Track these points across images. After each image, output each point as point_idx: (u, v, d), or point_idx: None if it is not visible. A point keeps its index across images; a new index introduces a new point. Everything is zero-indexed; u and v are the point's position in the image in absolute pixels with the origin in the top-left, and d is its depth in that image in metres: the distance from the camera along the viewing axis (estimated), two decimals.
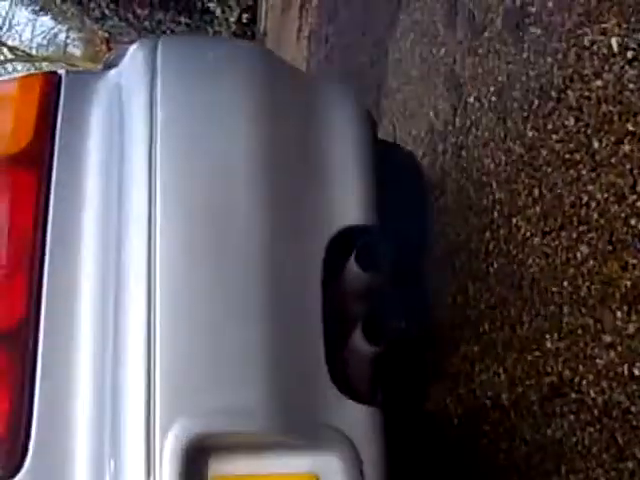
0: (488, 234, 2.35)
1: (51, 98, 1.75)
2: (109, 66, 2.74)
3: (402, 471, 1.70)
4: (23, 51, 19.02)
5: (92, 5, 10.50)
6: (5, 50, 18.83)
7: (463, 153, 2.61)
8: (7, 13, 18.53)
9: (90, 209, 1.65)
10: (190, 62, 1.80)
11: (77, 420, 1.52)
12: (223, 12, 9.91)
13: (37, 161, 1.67)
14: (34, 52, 19.16)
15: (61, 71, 1.88)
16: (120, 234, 1.58)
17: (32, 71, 18.48)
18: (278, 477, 1.52)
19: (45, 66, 18.99)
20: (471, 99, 2.58)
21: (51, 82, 1.80)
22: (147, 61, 1.72)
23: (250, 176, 1.62)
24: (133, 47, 1.81)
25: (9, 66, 19.05)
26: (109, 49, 12.63)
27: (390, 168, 1.97)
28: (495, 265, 2.31)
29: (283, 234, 1.61)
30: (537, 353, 2.05)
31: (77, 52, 19.53)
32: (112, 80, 1.82)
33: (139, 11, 10.35)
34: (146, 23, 10.75)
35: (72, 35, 18.62)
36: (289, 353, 1.55)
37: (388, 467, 1.59)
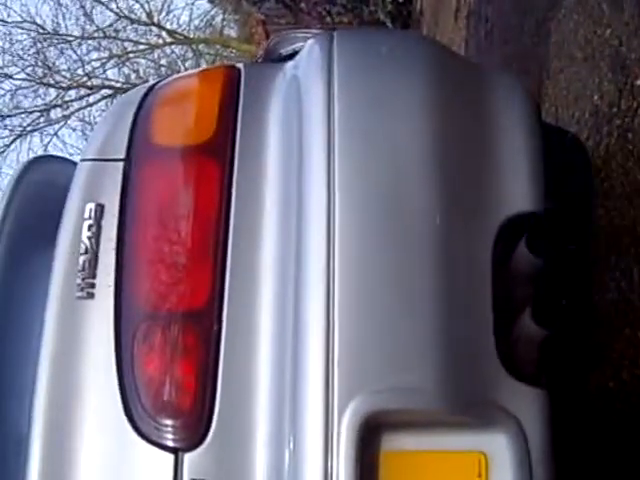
0: None
1: (232, 90, 1.85)
2: (271, 52, 2.82)
3: (566, 452, 1.73)
4: (181, 34, 19.43)
5: None
6: (164, 34, 19.32)
7: (629, 136, 2.58)
8: None
9: (270, 198, 1.74)
10: (365, 56, 1.86)
11: (258, 397, 1.61)
12: None
13: (220, 151, 1.77)
14: (191, 35, 19.54)
15: (240, 64, 2.00)
16: (299, 223, 1.66)
17: (190, 53, 18.95)
18: (447, 454, 1.58)
19: (202, 48, 19.39)
20: (638, 81, 2.55)
21: (231, 75, 1.90)
22: (324, 55, 1.79)
23: (425, 167, 1.67)
24: (310, 41, 1.90)
25: (168, 49, 19.57)
26: (265, 31, 12.84)
27: (555, 152, 1.97)
28: None
29: (455, 222, 1.66)
30: None
31: (233, 34, 19.83)
32: (289, 73, 1.91)
33: None
34: (302, 5, 10.87)
35: (228, 17, 18.91)
36: (460, 335, 1.60)
37: (553, 447, 1.62)
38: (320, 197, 1.63)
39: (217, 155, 1.77)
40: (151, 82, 2.08)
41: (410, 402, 1.54)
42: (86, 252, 1.72)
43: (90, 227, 1.74)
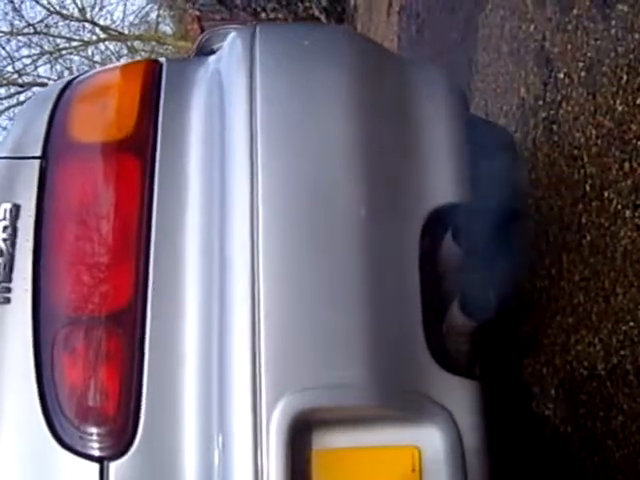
0: (581, 206, 2.37)
1: (153, 85, 1.82)
2: (203, 48, 2.78)
3: (502, 441, 1.75)
4: (115, 30, 19.10)
5: None
6: (97, 30, 18.97)
7: (554, 127, 2.62)
8: None
9: (193, 192, 1.71)
10: (287, 49, 1.85)
11: (184, 400, 1.57)
12: None
13: (142, 147, 1.73)
14: (126, 31, 19.26)
15: (162, 59, 1.97)
16: (223, 217, 1.63)
17: (124, 50, 18.70)
18: (381, 449, 1.57)
19: (137, 45, 19.15)
20: (561, 74, 2.60)
21: (152, 69, 1.87)
22: (246, 48, 1.77)
23: (348, 158, 1.66)
24: (232, 34, 1.87)
25: (102, 46, 19.23)
26: (200, 27, 12.74)
27: (483, 144, 1.99)
28: (588, 237, 2.32)
29: (381, 215, 1.65)
30: (631, 324, 2.07)
31: (168, 30, 19.62)
32: (212, 66, 1.88)
33: None
34: (237, 1, 10.80)
35: (163, 13, 18.71)
36: (388, 329, 1.59)
37: (488, 438, 1.63)
38: (243, 190, 1.60)
39: (138, 151, 1.72)
40: (69, 77, 2.03)
41: (341, 399, 1.53)
42: (1, 255, 1.66)
43: (5, 228, 1.68)
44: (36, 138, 1.78)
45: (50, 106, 1.83)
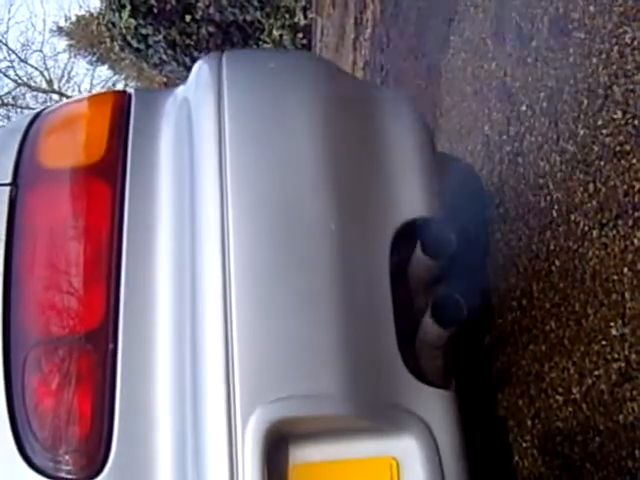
0: (548, 233, 2.39)
1: (122, 113, 1.85)
2: None
3: (479, 453, 1.75)
4: None
5: (150, 52, 10.73)
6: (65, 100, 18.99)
7: (519, 160, 2.66)
8: (66, 65, 18.81)
9: (164, 215, 1.73)
10: (254, 73, 1.88)
11: (158, 419, 1.56)
12: None
13: (111, 171, 1.75)
14: None
15: (131, 90, 2.00)
16: (194, 238, 1.64)
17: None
18: (358, 462, 1.56)
19: None
20: (523, 107, 2.65)
21: (121, 99, 1.91)
22: (213, 74, 1.81)
23: (316, 177, 1.69)
24: (199, 62, 1.91)
25: None
26: None
27: (449, 177, 2.03)
28: (557, 263, 2.34)
29: (351, 230, 1.67)
30: (603, 342, 2.07)
31: None
32: (180, 95, 1.92)
33: (196, 54, 10.56)
34: None
35: (130, 83, 18.83)
36: (363, 340, 1.59)
37: (465, 449, 1.63)
38: (213, 210, 1.62)
39: (108, 175, 1.74)
40: (38, 109, 2.05)
41: (314, 409, 1.52)
42: None
43: None
44: (6, 165, 1.80)
45: (20, 135, 1.85)
